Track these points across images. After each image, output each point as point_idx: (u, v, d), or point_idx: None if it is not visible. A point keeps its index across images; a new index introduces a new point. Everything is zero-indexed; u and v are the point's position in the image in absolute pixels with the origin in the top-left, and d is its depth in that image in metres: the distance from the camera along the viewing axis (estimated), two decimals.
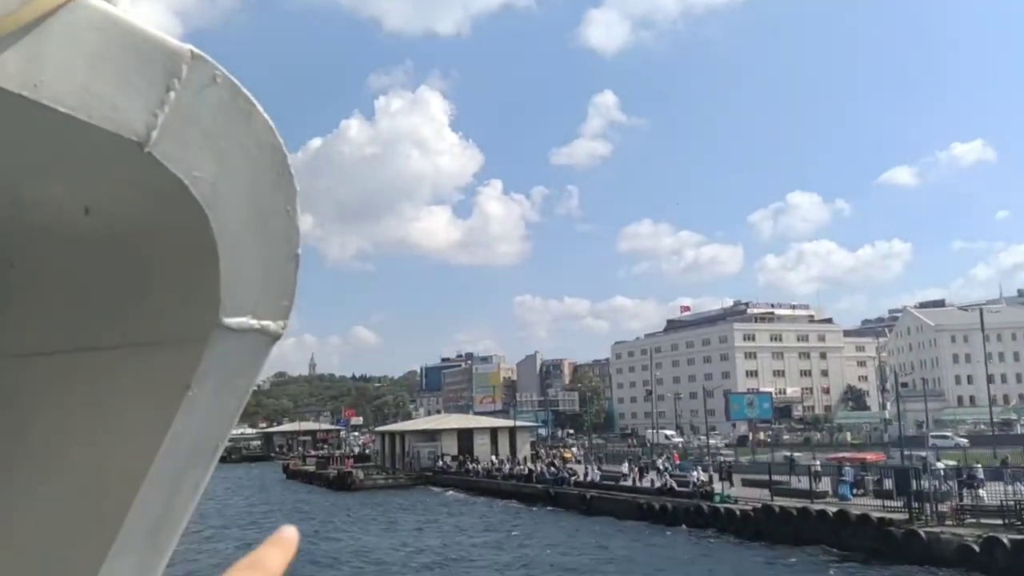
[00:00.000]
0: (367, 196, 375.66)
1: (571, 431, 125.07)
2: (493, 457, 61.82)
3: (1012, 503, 26.02)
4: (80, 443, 0.99)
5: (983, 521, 25.93)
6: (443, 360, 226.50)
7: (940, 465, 33.29)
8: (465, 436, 67.32)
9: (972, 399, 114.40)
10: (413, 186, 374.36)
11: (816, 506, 30.43)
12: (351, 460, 70.73)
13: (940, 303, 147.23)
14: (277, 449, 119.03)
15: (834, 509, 29.62)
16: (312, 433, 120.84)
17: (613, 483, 42.71)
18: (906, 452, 42.86)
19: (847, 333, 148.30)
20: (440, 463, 62.53)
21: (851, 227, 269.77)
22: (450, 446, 65.86)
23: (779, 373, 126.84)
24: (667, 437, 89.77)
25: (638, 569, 26.25)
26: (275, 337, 0.94)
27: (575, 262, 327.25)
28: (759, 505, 32.25)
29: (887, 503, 29.01)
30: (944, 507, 27.17)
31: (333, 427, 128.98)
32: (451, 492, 54.31)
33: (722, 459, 44.92)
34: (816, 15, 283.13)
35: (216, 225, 0.83)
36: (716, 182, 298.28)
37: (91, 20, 0.73)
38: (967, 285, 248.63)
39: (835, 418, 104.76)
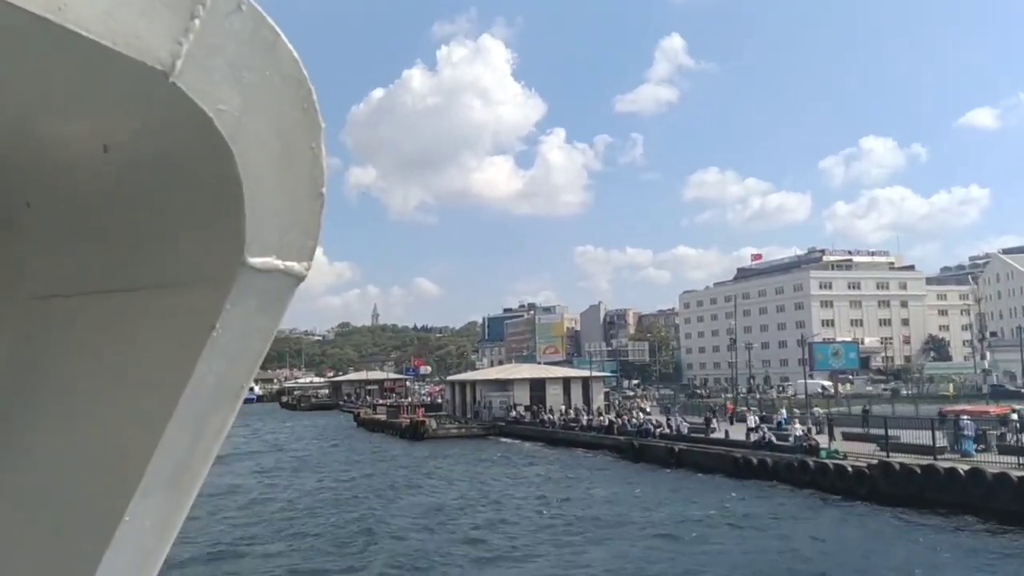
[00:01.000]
0: (429, 147, 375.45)
1: (637, 381, 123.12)
2: (563, 407, 60.40)
3: None
4: (103, 385, 1.00)
5: None
6: (505, 311, 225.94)
7: None
8: (537, 386, 65.85)
9: None
10: (475, 136, 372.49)
11: (943, 463, 27.69)
12: (422, 409, 70.17)
13: (1021, 250, 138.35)
14: (345, 398, 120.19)
15: (964, 467, 26.86)
16: (379, 382, 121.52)
17: (702, 435, 40.56)
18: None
19: (928, 281, 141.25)
20: (513, 413, 61.19)
21: (927, 172, 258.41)
22: (522, 396, 64.52)
23: (856, 322, 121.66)
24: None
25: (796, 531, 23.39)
26: (299, 278, 0.93)
27: (638, 211, 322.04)
28: (874, 462, 29.65)
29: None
30: None
31: (400, 376, 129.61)
32: (528, 445, 52.87)
33: (817, 411, 42.10)
34: None
35: (241, 162, 0.82)
36: (786, 128, 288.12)
37: None
38: None
39: (924, 369, 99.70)
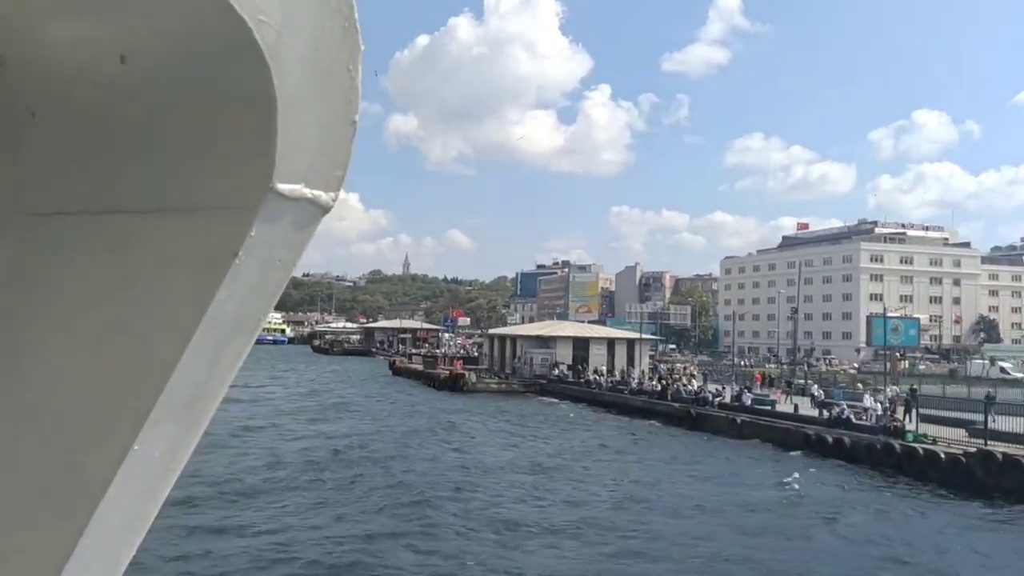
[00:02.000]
0: (472, 98, 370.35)
1: (673, 346, 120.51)
2: (604, 368, 58.26)
3: None
4: (114, 309, 0.95)
5: None
6: (539, 267, 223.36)
7: None
8: (580, 345, 63.59)
9: None
10: (518, 89, 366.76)
11: None
12: (460, 362, 68.39)
13: None
14: (377, 345, 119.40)
15: None
16: (412, 331, 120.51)
17: (769, 408, 38.10)
18: None
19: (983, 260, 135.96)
20: (556, 371, 59.13)
21: (979, 150, 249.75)
22: (564, 354, 62.40)
23: (906, 298, 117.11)
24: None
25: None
26: (325, 209, 0.90)
27: (677, 174, 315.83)
28: (972, 449, 27.05)
29: None
30: None
31: (433, 327, 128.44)
32: (573, 406, 50.76)
33: (894, 389, 39.36)
34: None
35: (278, 80, 0.77)
36: (837, 97, 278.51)
37: None
38: None
39: (984, 351, 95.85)
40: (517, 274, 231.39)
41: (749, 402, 38.99)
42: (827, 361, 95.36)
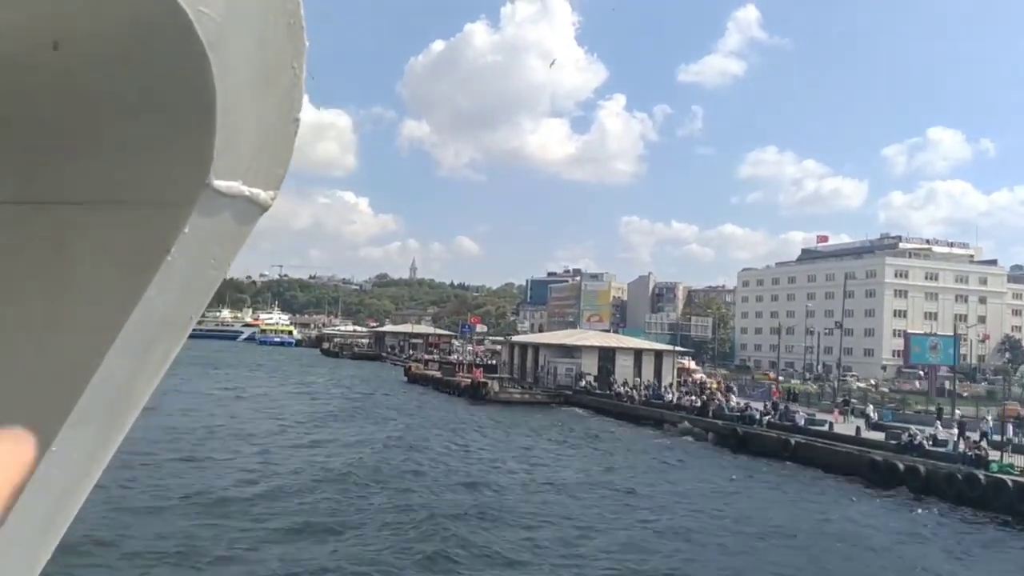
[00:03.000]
0: (485, 105, 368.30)
1: (689, 359, 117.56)
2: (631, 379, 55.70)
3: None
4: (37, 304, 0.92)
5: None
6: (549, 274, 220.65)
7: None
8: (606, 355, 61.07)
9: None
10: (533, 98, 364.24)
11: None
12: (480, 370, 65.82)
13: None
14: (388, 350, 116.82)
15: None
16: (424, 336, 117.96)
17: (826, 430, 35.45)
18: None
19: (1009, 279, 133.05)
20: (583, 382, 56.55)
21: (992, 168, 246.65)
22: (589, 365, 59.88)
23: (931, 315, 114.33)
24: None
25: None
26: (264, 208, 0.88)
27: (689, 186, 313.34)
28: None
29: None
30: None
31: (446, 332, 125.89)
32: (602, 420, 48.11)
33: (961, 415, 36.75)
34: None
35: (218, 73, 0.75)
36: (853, 112, 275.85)
37: None
38: None
39: (1020, 372, 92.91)
40: (527, 281, 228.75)
41: (803, 422, 36.35)
42: (852, 378, 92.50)
